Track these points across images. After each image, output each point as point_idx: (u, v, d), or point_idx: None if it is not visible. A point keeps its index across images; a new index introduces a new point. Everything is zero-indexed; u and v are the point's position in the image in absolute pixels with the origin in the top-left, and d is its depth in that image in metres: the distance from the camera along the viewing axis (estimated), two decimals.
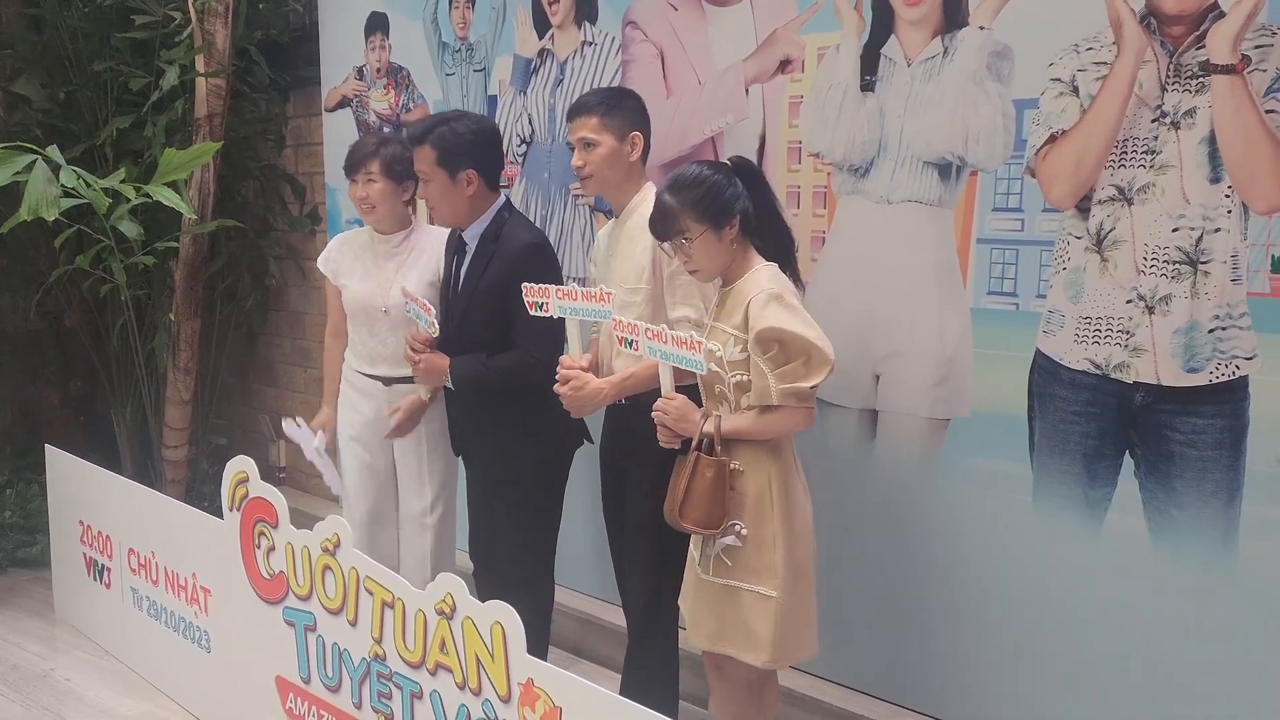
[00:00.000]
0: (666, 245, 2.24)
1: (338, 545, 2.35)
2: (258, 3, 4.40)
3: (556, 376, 2.48)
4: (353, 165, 2.95)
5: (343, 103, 4.28)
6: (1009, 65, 2.40)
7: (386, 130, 4.00)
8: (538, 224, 3.52)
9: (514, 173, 3.60)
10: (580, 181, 2.56)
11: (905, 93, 2.58)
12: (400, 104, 4.02)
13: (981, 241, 2.50)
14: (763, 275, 2.19)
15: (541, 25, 3.43)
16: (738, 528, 2.17)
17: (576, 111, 2.52)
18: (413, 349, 2.77)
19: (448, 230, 2.89)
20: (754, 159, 2.88)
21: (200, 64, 4.02)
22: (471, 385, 2.72)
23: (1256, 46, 2.07)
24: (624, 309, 2.46)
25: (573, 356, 2.46)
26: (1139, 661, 2.32)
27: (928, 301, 2.60)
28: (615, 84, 3.23)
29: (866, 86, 2.64)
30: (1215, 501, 2.19)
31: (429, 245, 3.02)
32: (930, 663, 2.67)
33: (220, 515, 2.74)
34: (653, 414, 2.26)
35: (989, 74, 2.43)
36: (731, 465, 2.19)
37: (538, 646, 3.03)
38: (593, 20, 3.28)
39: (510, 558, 2.82)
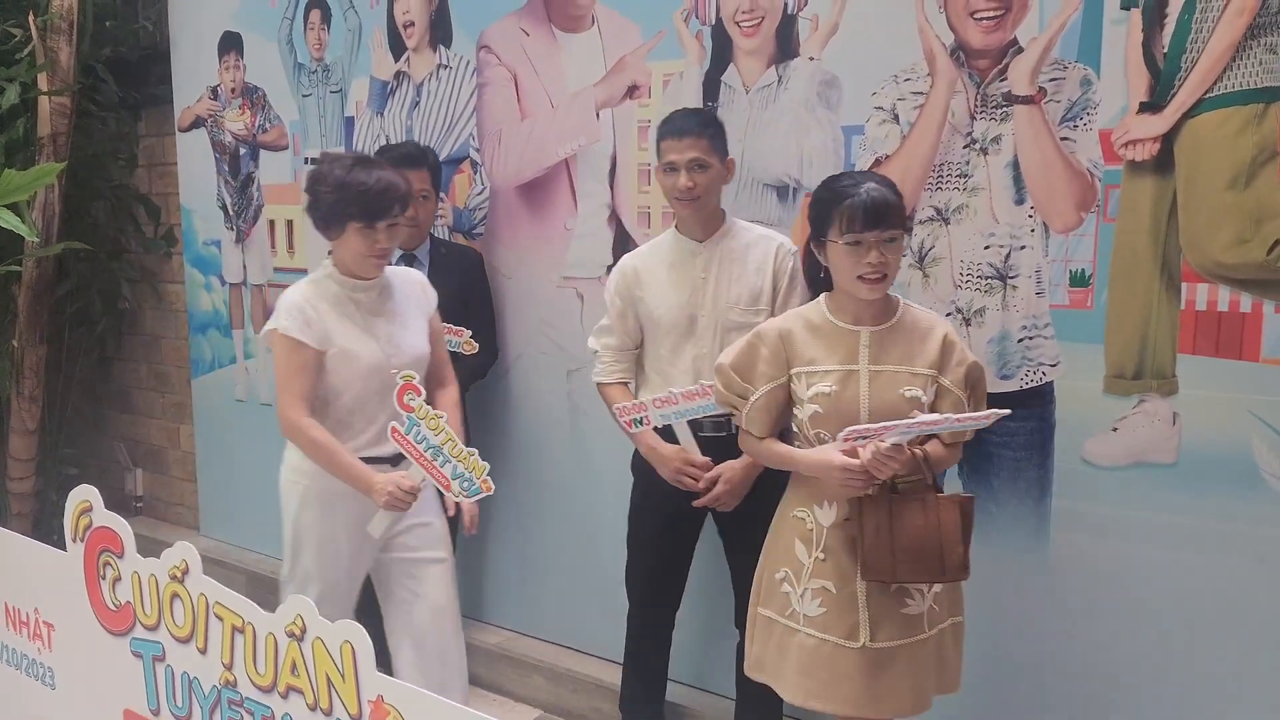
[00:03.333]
0: (873, 236, 1.98)
1: (186, 572, 2.32)
2: (105, 20, 4.28)
3: (686, 477, 2.44)
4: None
5: (197, 122, 4.21)
6: (837, 94, 2.56)
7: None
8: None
9: None
10: (683, 203, 2.43)
11: (745, 118, 2.71)
12: (256, 124, 3.98)
13: None
14: (919, 309, 2.13)
15: (397, 48, 3.46)
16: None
17: (683, 132, 2.39)
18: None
19: (407, 267, 2.77)
20: (606, 180, 3.00)
21: (43, 82, 3.89)
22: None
23: (1051, 79, 2.27)
24: (737, 330, 2.38)
25: (693, 455, 2.45)
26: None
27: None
28: (471, 107, 3.28)
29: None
30: (1028, 499, 2.38)
31: (405, 283, 2.58)
32: None
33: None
34: (846, 467, 1.96)
35: (819, 102, 2.58)
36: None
37: None
38: (447, 44, 3.32)
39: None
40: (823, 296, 2.14)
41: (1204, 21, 2.09)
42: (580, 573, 3.20)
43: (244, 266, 4.11)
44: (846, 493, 2.00)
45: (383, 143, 3.54)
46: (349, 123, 3.65)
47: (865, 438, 1.95)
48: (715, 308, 2.47)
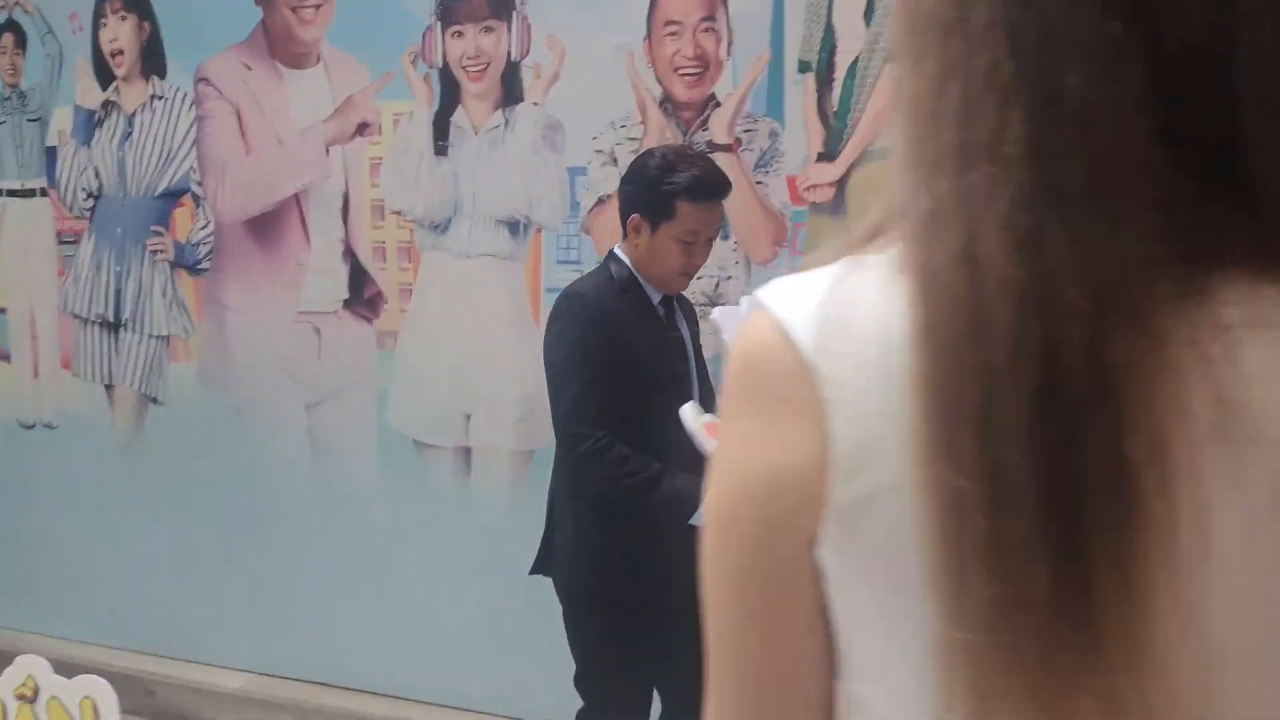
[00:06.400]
0: None
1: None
2: None
3: None
4: None
5: None
6: (561, 137, 2.76)
7: None
8: (113, 281, 3.40)
9: (82, 228, 3.41)
10: None
11: (475, 158, 2.85)
12: None
13: (549, 290, 2.82)
14: None
15: (105, 76, 3.31)
16: None
17: None
18: None
19: None
20: (339, 216, 3.04)
21: None
22: None
23: (746, 131, 2.59)
24: None
25: None
26: None
27: (506, 345, 2.88)
28: (190, 139, 3.20)
29: (440, 151, 2.88)
30: None
31: None
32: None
33: None
34: None
35: (544, 144, 2.77)
36: None
37: None
38: (161, 75, 3.22)
39: None
40: None
41: (863, 86, 2.48)
42: (325, 606, 3.19)
43: None
44: None
45: (91, 174, 3.37)
46: (51, 152, 3.43)
47: None
48: None
